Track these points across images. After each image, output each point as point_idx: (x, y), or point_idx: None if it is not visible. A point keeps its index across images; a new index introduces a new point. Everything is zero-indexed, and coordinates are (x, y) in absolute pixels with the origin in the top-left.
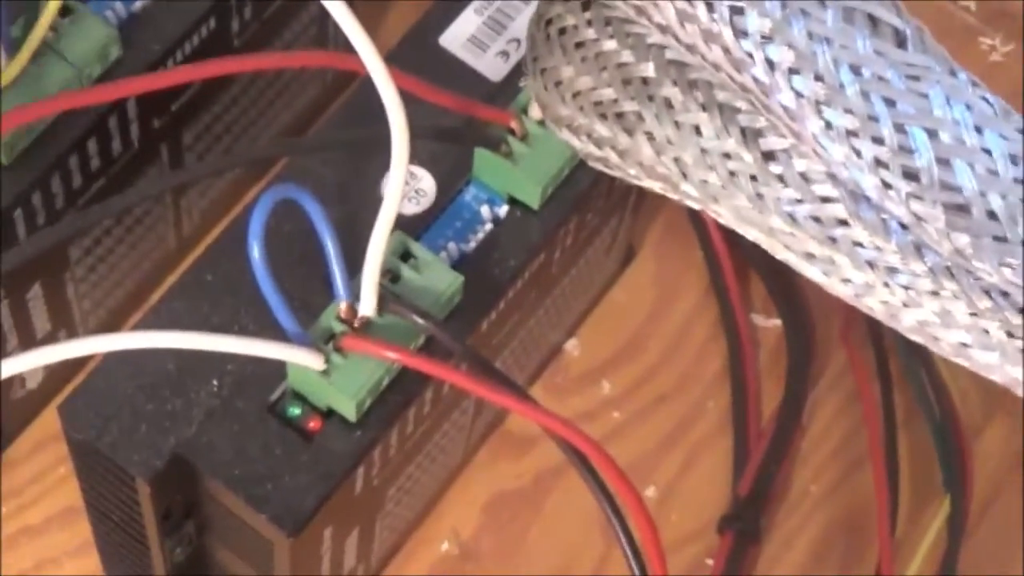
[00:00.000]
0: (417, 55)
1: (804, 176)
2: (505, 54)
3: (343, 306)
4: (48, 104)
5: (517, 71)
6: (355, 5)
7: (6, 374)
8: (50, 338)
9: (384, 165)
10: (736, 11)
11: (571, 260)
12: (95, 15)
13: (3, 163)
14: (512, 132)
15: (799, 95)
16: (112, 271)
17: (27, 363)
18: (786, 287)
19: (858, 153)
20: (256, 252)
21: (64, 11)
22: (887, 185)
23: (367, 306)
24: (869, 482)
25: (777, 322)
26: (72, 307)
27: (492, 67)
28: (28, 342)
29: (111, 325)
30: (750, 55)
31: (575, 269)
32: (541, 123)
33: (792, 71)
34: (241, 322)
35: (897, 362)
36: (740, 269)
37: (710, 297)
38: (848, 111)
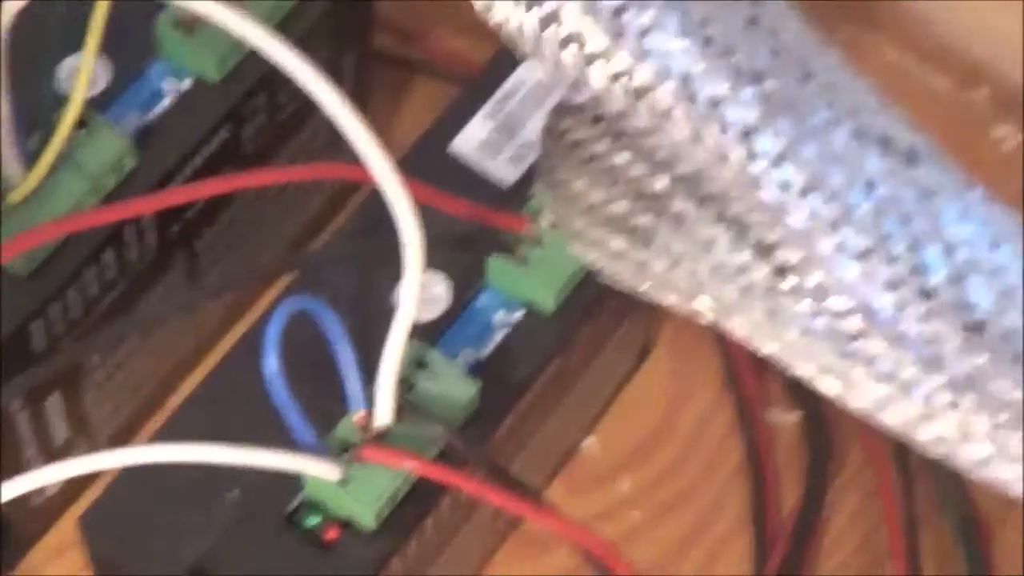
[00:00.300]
0: (429, 162)
1: (819, 289)
2: (517, 158)
3: (359, 416)
4: (57, 227)
5: (529, 175)
6: (366, 111)
7: (7, 496)
8: (69, 444)
9: (398, 272)
10: (747, 132)
11: (587, 361)
12: (110, 126)
13: (23, 276)
14: (525, 237)
15: (812, 215)
16: (130, 376)
17: (41, 480)
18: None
19: (872, 272)
20: (272, 365)
21: (80, 122)
22: (902, 304)
23: (384, 415)
24: None
25: (795, 416)
26: (90, 413)
27: (504, 172)
28: (47, 449)
29: (129, 429)
30: (762, 175)
31: (591, 369)
32: (554, 228)
33: (804, 191)
34: (258, 433)
35: (916, 455)
36: (756, 362)
37: (727, 392)
38: (861, 231)
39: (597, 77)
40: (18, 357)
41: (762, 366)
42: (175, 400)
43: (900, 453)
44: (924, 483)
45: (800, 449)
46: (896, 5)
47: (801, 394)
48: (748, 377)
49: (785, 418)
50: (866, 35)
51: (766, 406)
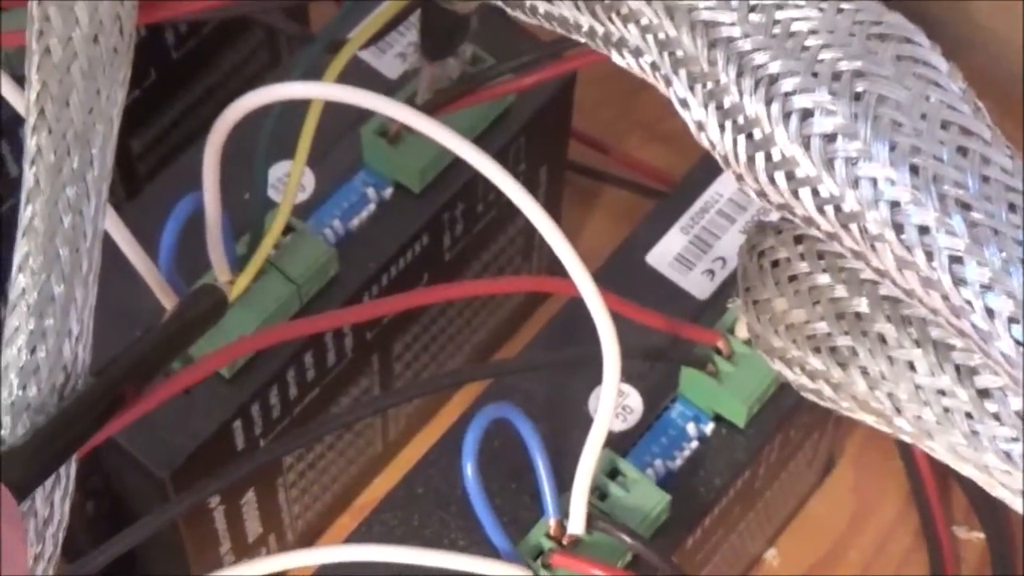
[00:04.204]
0: (625, 274)
1: (1020, 414)
2: (711, 272)
3: (552, 523)
4: (263, 338)
5: (723, 289)
6: (558, 219)
7: None
8: (261, 541)
9: (590, 381)
10: (955, 260)
11: (774, 474)
12: (315, 233)
13: (226, 378)
14: (718, 351)
15: (1019, 343)
16: (322, 475)
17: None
18: (988, 499)
19: None
20: (470, 471)
21: (286, 229)
22: None
23: (576, 524)
24: None
25: (980, 535)
26: (283, 511)
27: (698, 285)
28: (240, 545)
29: (319, 527)
30: (969, 303)
31: (778, 482)
32: (747, 342)
33: (1012, 320)
34: (450, 536)
35: None
36: (941, 479)
37: (911, 507)
38: None
39: (805, 203)
40: (219, 455)
41: (947, 482)
42: (362, 500)
43: None
44: None
45: (985, 567)
46: None
47: (986, 511)
48: (932, 492)
49: (969, 536)
50: None
51: (951, 523)
